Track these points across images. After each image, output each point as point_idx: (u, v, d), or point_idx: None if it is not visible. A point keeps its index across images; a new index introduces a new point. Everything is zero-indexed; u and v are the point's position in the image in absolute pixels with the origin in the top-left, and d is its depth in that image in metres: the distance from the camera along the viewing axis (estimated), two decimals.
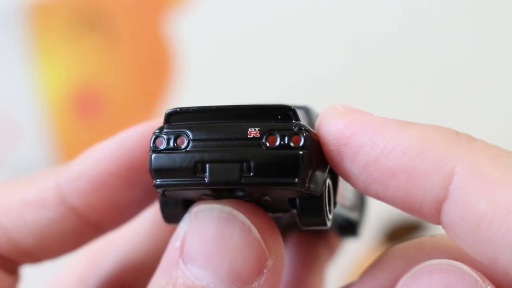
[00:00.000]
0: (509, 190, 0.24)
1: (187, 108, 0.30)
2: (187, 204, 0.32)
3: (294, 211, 0.31)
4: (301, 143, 0.28)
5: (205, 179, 0.29)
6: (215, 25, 0.88)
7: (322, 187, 0.30)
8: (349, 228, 0.43)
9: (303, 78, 0.86)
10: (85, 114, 0.88)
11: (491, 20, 0.83)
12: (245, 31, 0.88)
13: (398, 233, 0.79)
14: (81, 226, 0.34)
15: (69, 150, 0.88)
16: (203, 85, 0.88)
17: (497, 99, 0.82)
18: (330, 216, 0.31)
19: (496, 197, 0.24)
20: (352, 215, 0.41)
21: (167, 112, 0.30)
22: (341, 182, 0.33)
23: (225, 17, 0.88)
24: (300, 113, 0.30)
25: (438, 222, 0.27)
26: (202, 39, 0.88)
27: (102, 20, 0.88)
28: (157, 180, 0.29)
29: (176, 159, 0.29)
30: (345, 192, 0.37)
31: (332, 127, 0.28)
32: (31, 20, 0.88)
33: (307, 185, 0.29)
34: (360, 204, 0.43)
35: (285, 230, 0.43)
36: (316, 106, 0.34)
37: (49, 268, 0.39)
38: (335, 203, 0.33)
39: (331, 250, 0.45)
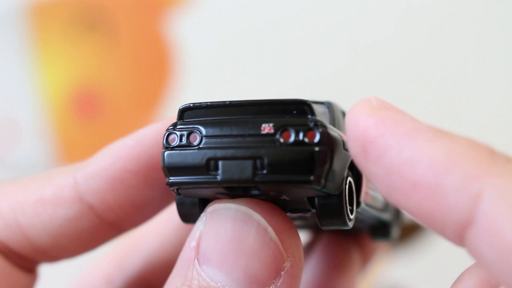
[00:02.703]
0: None
1: (200, 103, 0.29)
2: (204, 203, 0.31)
3: (314, 210, 0.30)
4: (317, 139, 0.27)
5: (218, 176, 0.28)
6: (215, 25, 0.88)
7: (342, 185, 0.29)
8: (381, 230, 0.41)
9: (303, 78, 0.86)
10: (85, 114, 0.88)
11: (491, 20, 0.83)
12: (245, 31, 0.87)
13: (401, 232, 0.79)
14: (99, 225, 0.33)
15: (69, 150, 0.87)
16: (203, 85, 0.88)
17: (497, 99, 0.82)
18: (351, 216, 0.30)
19: None
20: (384, 216, 0.39)
21: (181, 108, 0.29)
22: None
23: (225, 17, 0.88)
24: (320, 109, 0.29)
25: (462, 245, 0.25)
26: (202, 39, 0.88)
27: (102, 20, 0.87)
28: (170, 178, 0.29)
29: (188, 156, 0.28)
30: (376, 192, 0.35)
31: (360, 123, 0.26)
32: (31, 20, 0.87)
33: (323, 182, 0.27)
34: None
35: (316, 232, 0.41)
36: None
37: (67, 268, 0.38)
38: (358, 203, 0.31)
39: (366, 255, 0.43)
